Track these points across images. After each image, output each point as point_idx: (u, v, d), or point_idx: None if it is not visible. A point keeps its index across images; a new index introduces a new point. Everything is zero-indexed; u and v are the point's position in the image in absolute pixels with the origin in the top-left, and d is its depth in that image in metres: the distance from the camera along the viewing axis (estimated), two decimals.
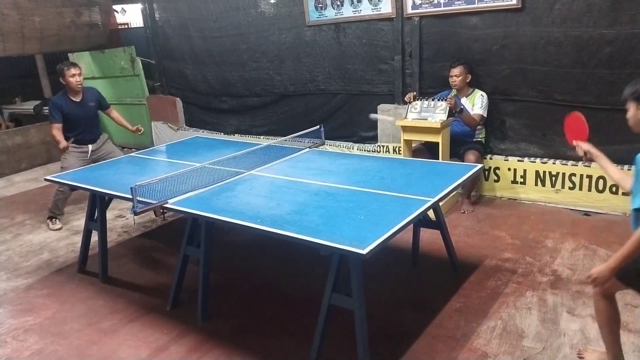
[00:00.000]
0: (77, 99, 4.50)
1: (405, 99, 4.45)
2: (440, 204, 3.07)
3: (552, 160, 4.35)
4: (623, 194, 4.04)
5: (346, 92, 5.45)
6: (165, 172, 3.18)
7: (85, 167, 4.03)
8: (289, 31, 5.60)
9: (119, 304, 3.29)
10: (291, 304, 3.17)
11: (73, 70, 4.38)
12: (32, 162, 7.20)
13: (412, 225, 3.09)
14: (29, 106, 8.02)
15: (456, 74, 4.37)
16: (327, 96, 5.62)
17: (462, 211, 4.39)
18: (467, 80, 4.41)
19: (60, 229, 4.69)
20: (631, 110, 2.10)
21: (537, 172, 4.41)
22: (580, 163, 4.19)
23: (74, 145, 4.53)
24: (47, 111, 4.60)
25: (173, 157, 4.02)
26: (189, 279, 3.17)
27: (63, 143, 4.38)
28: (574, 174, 4.23)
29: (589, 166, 4.14)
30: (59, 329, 3.06)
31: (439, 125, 4.12)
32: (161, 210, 2.91)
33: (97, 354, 2.79)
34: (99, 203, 3.58)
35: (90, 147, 4.59)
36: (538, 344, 2.61)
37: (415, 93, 4.46)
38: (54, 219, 4.73)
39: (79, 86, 4.45)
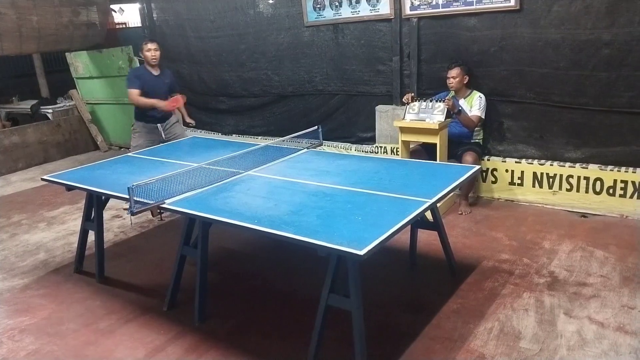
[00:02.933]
0: (155, 72, 4.69)
1: (404, 100, 4.45)
2: (438, 205, 3.07)
3: (549, 162, 4.35)
4: (620, 195, 4.05)
5: (344, 93, 5.45)
6: (162, 172, 3.16)
7: (82, 167, 4.01)
8: (287, 32, 5.60)
9: (116, 305, 3.27)
10: (288, 305, 3.16)
11: (149, 46, 4.64)
12: (29, 161, 7.18)
13: (409, 227, 3.10)
14: (26, 105, 7.97)
15: (453, 76, 4.37)
16: (325, 97, 5.62)
17: (460, 212, 4.40)
18: (465, 82, 4.41)
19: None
20: None
21: (534, 174, 4.42)
22: (577, 165, 4.20)
23: (143, 123, 4.70)
24: (127, 80, 4.64)
25: (170, 157, 4.01)
26: (186, 280, 3.16)
27: (154, 102, 4.50)
28: (571, 176, 4.24)
29: (587, 168, 4.15)
30: (56, 329, 3.05)
31: (436, 127, 4.12)
32: (158, 211, 2.91)
33: (93, 355, 2.78)
34: (95, 203, 3.57)
35: (159, 126, 4.74)
36: (535, 345, 2.61)
37: (413, 94, 4.45)
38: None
39: (154, 60, 4.65)
